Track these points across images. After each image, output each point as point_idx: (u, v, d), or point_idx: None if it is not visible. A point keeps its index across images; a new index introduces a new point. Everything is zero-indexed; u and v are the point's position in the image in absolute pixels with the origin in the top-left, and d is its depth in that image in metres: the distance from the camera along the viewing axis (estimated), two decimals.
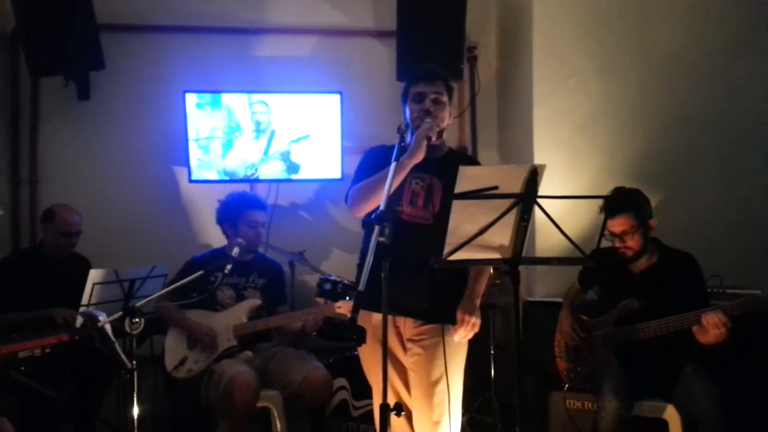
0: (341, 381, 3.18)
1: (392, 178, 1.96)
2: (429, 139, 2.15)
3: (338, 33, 4.21)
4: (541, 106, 3.65)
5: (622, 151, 3.62)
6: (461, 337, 2.23)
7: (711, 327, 2.50)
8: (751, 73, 3.61)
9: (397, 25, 3.85)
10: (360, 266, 2.34)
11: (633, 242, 2.77)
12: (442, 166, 2.26)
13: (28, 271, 3.25)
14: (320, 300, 3.14)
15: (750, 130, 3.62)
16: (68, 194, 3.72)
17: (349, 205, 2.33)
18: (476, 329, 2.23)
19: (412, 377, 2.26)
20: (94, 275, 2.92)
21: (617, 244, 2.79)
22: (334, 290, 3.10)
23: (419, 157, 2.14)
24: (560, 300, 3.18)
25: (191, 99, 3.76)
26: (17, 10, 3.57)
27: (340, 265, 3.89)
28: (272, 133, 3.82)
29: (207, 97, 3.77)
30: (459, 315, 2.21)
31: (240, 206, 3.30)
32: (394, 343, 2.28)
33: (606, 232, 2.79)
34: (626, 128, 3.63)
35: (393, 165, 1.98)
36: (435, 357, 2.21)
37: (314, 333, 3.19)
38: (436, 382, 2.21)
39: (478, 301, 2.26)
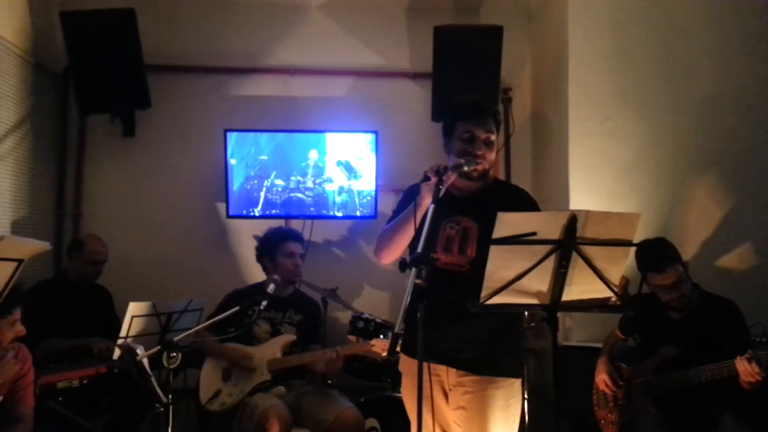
0: (372, 422, 3.15)
1: (423, 219, 1.88)
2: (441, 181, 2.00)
3: (375, 74, 4.29)
4: (577, 148, 3.63)
5: (662, 194, 3.56)
6: None
7: (743, 375, 2.49)
8: None
9: (432, 66, 3.91)
10: None
11: (686, 288, 2.78)
12: (481, 206, 2.15)
13: (57, 298, 3.32)
14: (352, 338, 3.15)
15: None
16: (110, 228, 3.84)
17: (375, 251, 2.27)
18: None
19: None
20: (134, 308, 2.98)
21: (672, 295, 2.78)
22: (366, 328, 3.11)
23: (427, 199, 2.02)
24: (597, 345, 3.13)
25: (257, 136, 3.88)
26: (70, 51, 3.73)
27: (373, 303, 3.90)
28: (308, 170, 3.89)
29: (279, 137, 3.88)
30: None
31: (277, 239, 3.37)
32: (435, 391, 2.17)
33: (652, 287, 2.80)
34: (665, 172, 3.57)
35: (431, 208, 1.92)
36: (481, 414, 2.11)
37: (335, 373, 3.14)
38: None
39: None
